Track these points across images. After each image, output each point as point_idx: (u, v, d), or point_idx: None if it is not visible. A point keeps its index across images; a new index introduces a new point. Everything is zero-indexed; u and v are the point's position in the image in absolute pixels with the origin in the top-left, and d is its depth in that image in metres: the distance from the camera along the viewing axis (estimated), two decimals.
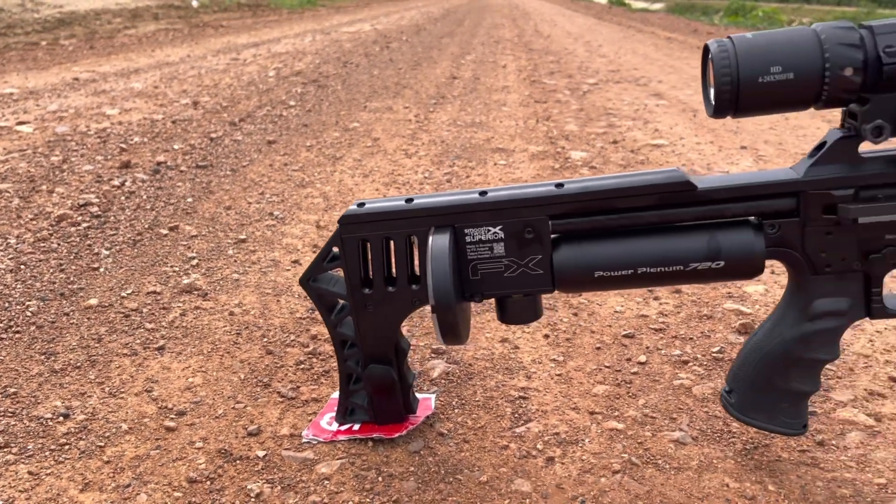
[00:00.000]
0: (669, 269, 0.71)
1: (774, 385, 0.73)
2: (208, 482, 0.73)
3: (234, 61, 4.53)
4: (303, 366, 0.95)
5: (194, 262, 1.28)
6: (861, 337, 1.04)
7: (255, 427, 0.82)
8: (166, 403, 0.86)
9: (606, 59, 4.60)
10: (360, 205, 0.75)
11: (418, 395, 0.87)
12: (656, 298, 1.19)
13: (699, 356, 1.00)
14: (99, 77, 3.82)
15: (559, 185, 0.72)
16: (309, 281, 0.78)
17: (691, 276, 0.71)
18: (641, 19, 9.82)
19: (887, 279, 1.12)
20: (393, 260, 0.75)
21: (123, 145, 2.13)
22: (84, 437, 0.81)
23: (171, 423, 0.82)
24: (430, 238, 0.71)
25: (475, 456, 0.79)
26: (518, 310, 0.75)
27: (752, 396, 0.75)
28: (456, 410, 0.87)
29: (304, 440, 0.80)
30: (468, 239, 0.73)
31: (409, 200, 0.74)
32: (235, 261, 1.30)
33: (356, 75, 3.73)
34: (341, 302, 0.79)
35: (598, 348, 1.02)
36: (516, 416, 0.86)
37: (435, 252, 0.70)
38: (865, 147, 0.67)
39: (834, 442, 0.81)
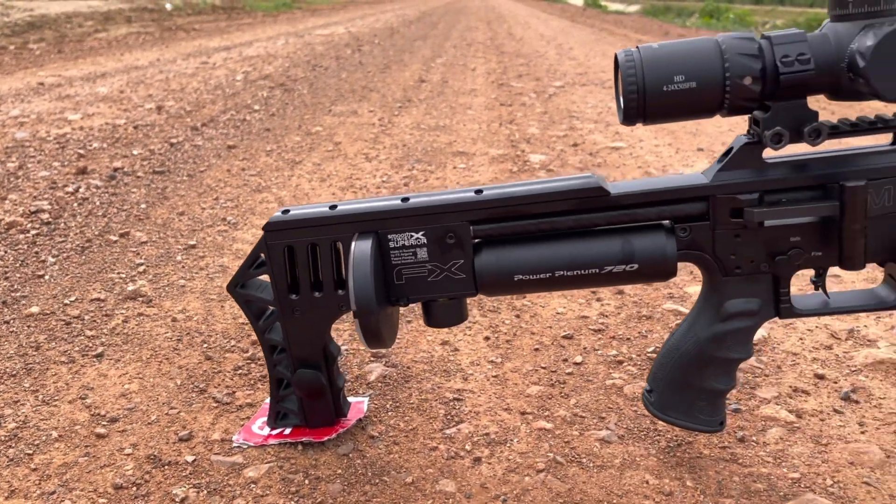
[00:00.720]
0: (586, 272, 0.72)
1: (691, 384, 0.76)
2: (134, 488, 0.74)
3: (204, 65, 4.51)
4: (241, 371, 0.96)
5: (142, 268, 1.28)
6: (792, 335, 1.07)
7: (186, 432, 0.82)
8: (99, 410, 0.87)
9: (576, 61, 4.64)
10: (285, 212, 0.76)
11: (351, 399, 0.88)
12: (598, 300, 1.21)
13: (634, 356, 1.02)
14: (65, 82, 3.79)
15: (478, 192, 0.73)
16: (236, 287, 0.79)
17: (607, 279, 0.73)
18: (615, 21, 9.91)
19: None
20: (319, 266, 0.76)
21: (82, 151, 2.12)
22: (13, 444, 0.81)
23: (103, 430, 0.83)
24: (353, 244, 0.72)
25: (404, 458, 0.80)
26: (443, 313, 0.77)
27: (671, 395, 0.77)
28: (389, 413, 0.88)
29: (234, 445, 0.80)
30: (392, 244, 0.74)
31: (332, 207, 0.75)
32: (183, 266, 1.30)
33: (324, 79, 3.73)
34: (270, 308, 0.80)
35: (537, 349, 1.04)
36: (449, 417, 0.88)
37: (356, 258, 0.71)
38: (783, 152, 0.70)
39: (754, 438, 0.84)
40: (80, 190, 1.73)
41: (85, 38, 6.68)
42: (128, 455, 0.79)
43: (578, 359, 1.01)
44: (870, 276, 1.25)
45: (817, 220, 0.69)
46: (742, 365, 0.99)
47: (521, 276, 0.73)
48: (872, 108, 2.93)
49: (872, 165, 0.67)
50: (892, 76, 0.60)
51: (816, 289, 0.74)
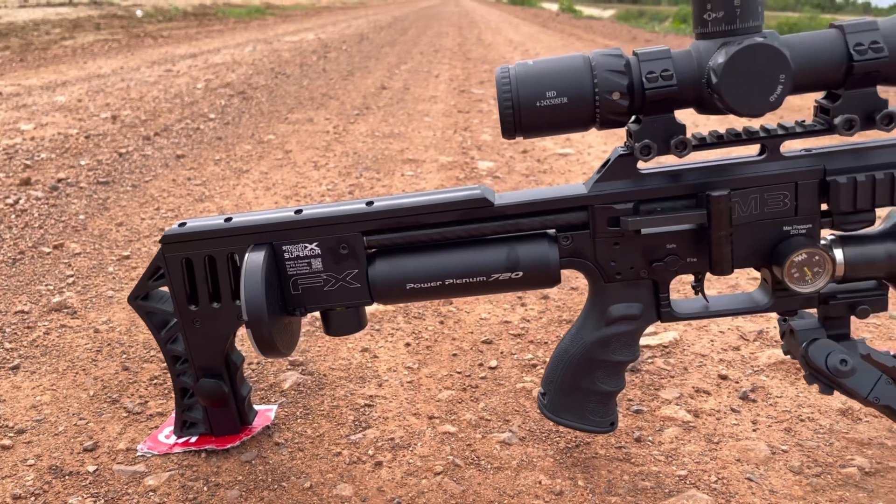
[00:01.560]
0: (474, 279, 0.75)
1: (581, 386, 0.78)
2: (32, 498, 0.75)
3: (167, 73, 4.50)
4: (156, 381, 0.97)
5: (71, 280, 1.29)
6: (704, 337, 1.11)
7: (91, 443, 0.84)
8: (7, 422, 0.88)
9: None
10: (182, 224, 0.77)
11: (259, 407, 0.90)
12: (523, 304, 1.24)
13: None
14: (24, 91, 3.76)
15: (370, 203, 0.75)
16: (137, 299, 0.80)
17: (495, 286, 0.76)
18: (585, 27, 10.01)
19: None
20: (217, 277, 0.78)
21: (28, 162, 2.11)
22: None
23: (8, 442, 0.84)
24: (246, 255, 0.74)
25: (306, 463, 0.82)
26: (340, 322, 0.79)
27: (562, 398, 0.79)
28: (299, 420, 0.90)
29: (138, 454, 0.82)
30: (287, 255, 0.76)
31: (228, 220, 0.77)
32: (114, 278, 1.31)
33: (285, 86, 3.74)
34: (173, 319, 0.81)
35: (455, 355, 1.07)
36: (357, 423, 0.90)
37: (248, 269, 0.73)
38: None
39: (651, 438, 0.87)
40: (21, 201, 1.72)
41: (50, 46, 6.61)
42: (30, 466, 0.80)
43: (494, 363, 1.04)
44: None
45: (692, 228, 0.72)
46: (650, 367, 1.03)
47: (412, 285, 0.75)
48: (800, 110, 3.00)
49: (739, 175, 0.70)
50: (741, 92, 0.63)
51: (696, 293, 0.77)
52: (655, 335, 1.11)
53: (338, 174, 2.04)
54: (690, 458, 0.82)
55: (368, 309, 1.21)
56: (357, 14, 14.56)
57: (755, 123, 0.73)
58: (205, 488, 0.77)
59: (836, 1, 60.44)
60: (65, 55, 5.77)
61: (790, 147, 0.74)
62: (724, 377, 0.99)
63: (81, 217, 1.63)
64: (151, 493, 0.76)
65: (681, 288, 1.29)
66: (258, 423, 0.86)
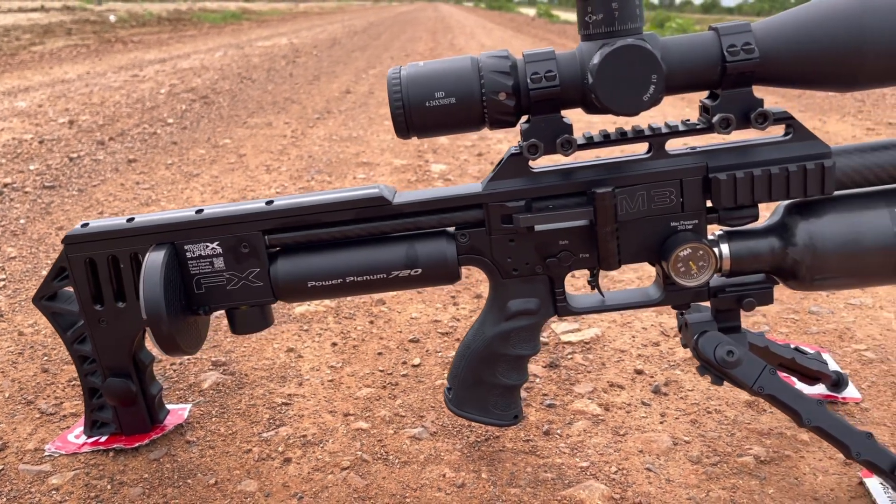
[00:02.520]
0: (375, 277, 0.76)
1: (484, 380, 0.80)
2: None
3: (133, 78, 4.48)
4: (74, 382, 0.98)
5: (2, 283, 1.29)
6: (626, 333, 1.13)
7: (0, 443, 0.84)
8: None
9: None
10: (84, 225, 0.78)
11: (172, 406, 0.90)
12: (455, 304, 1.25)
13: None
14: None
15: (269, 203, 0.77)
16: (42, 300, 0.81)
17: (395, 283, 0.77)
18: (559, 31, 10.09)
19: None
20: (122, 277, 0.79)
21: None
22: None
23: None
24: (147, 255, 0.75)
25: (215, 461, 0.83)
26: (246, 320, 0.80)
27: (466, 392, 0.81)
28: (214, 419, 0.91)
29: (46, 454, 0.82)
30: (189, 255, 0.77)
31: (130, 220, 0.78)
32: None
33: (249, 91, 3.74)
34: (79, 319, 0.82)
35: (380, 354, 1.08)
36: (272, 421, 0.91)
37: (147, 269, 0.74)
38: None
39: (559, 431, 0.89)
40: None
41: (19, 52, 6.54)
42: None
43: (417, 361, 1.05)
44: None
45: (583, 225, 0.74)
46: (568, 363, 1.05)
47: (314, 283, 0.77)
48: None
49: (626, 173, 0.72)
50: (615, 92, 0.65)
51: (593, 289, 0.79)
52: (578, 332, 1.13)
53: (289, 177, 2.05)
54: (595, 450, 0.84)
55: (299, 310, 1.22)
56: (333, 19, 14.57)
57: (651, 121, 0.75)
58: (109, 486, 0.77)
59: None
60: (31, 61, 5.72)
61: (703, 143, 0.76)
62: (639, 372, 1.01)
63: (22, 221, 1.62)
64: (54, 492, 0.76)
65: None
66: (170, 422, 0.87)
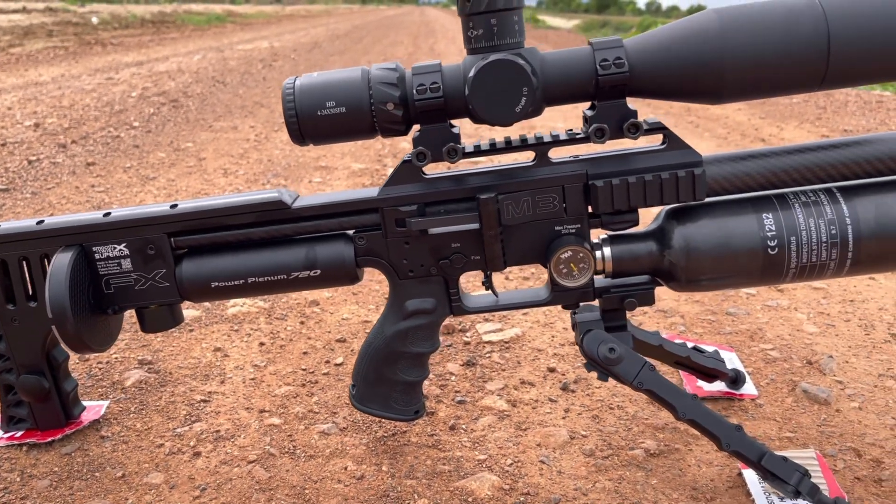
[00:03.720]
0: (276, 278, 0.80)
1: (385, 377, 0.83)
2: None
3: (108, 81, 4.49)
4: None
5: None
6: (546, 333, 1.17)
7: None
8: None
9: None
10: None
11: (89, 403, 0.93)
12: None
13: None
14: None
15: (174, 206, 0.80)
16: None
17: (296, 284, 0.80)
18: (540, 37, 10.16)
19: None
20: (33, 278, 0.82)
21: None
22: None
23: None
24: (55, 256, 0.78)
25: (126, 455, 0.86)
26: (154, 319, 0.83)
27: (368, 388, 0.84)
28: (132, 415, 0.94)
29: None
30: (97, 256, 0.80)
31: (40, 222, 0.81)
32: None
33: (220, 94, 3.76)
34: None
35: (306, 353, 1.11)
36: (188, 417, 0.94)
37: (53, 270, 0.77)
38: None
39: (465, 426, 0.92)
40: None
41: None
42: None
43: (340, 360, 1.09)
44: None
45: (474, 228, 0.78)
46: (485, 361, 1.09)
47: (217, 283, 0.80)
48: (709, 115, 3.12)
49: (512, 179, 0.76)
50: (489, 103, 0.69)
51: (487, 289, 0.83)
52: (500, 332, 1.17)
53: (245, 181, 2.08)
54: (495, 444, 0.88)
55: (231, 310, 1.25)
56: (318, 23, 14.59)
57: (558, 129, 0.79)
58: (18, 479, 0.80)
59: None
60: (8, 63, 5.71)
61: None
62: (552, 370, 1.05)
63: None
64: None
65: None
66: (86, 418, 0.90)
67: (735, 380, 0.97)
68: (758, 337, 1.14)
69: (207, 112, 3.22)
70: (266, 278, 0.80)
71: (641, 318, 1.21)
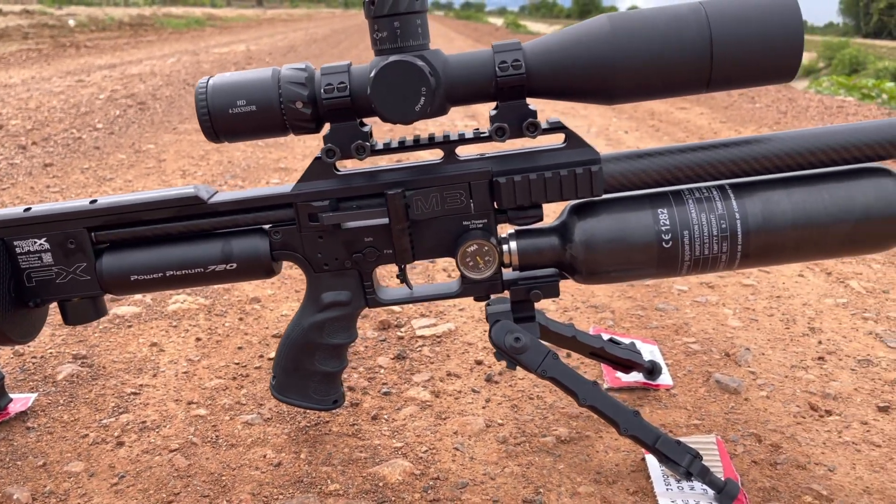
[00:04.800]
0: (193, 271, 0.82)
1: (303, 367, 0.86)
2: None
3: (78, 83, 4.47)
4: None
5: None
6: (479, 328, 1.20)
7: None
8: None
9: None
10: None
11: (16, 395, 0.95)
12: None
13: None
14: None
15: (93, 202, 0.82)
16: None
17: (213, 278, 0.83)
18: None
19: None
20: None
21: None
22: None
23: None
24: None
25: (49, 445, 0.88)
26: (77, 312, 0.85)
27: (287, 379, 0.87)
28: (60, 407, 0.96)
29: None
30: (19, 250, 0.82)
31: None
32: None
33: (188, 97, 3.77)
34: None
35: (241, 348, 1.14)
36: (116, 409, 0.96)
37: None
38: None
39: (387, 416, 0.95)
40: None
41: None
42: None
43: (273, 354, 1.11)
44: None
45: (384, 223, 0.81)
46: (415, 355, 1.12)
47: (136, 277, 0.82)
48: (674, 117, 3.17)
49: (421, 176, 0.79)
50: (389, 102, 0.72)
51: (402, 282, 0.86)
52: (434, 326, 1.20)
53: (202, 182, 2.09)
54: (413, 433, 0.91)
55: (172, 307, 1.27)
56: (298, 26, 14.58)
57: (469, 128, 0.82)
58: None
59: None
60: None
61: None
62: (479, 362, 1.09)
63: None
64: None
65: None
66: (13, 410, 0.92)
67: (651, 370, 1.01)
68: (682, 331, 1.18)
69: (174, 114, 3.23)
70: (184, 271, 0.82)
71: (573, 314, 1.25)
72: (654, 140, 2.90)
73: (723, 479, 0.77)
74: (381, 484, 0.81)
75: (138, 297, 1.32)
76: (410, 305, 1.29)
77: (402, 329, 1.20)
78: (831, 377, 1.03)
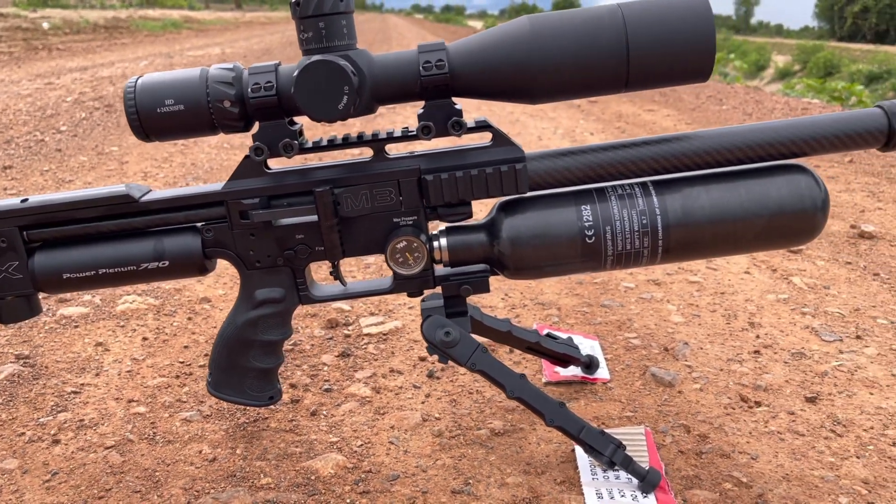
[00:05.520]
0: (125, 269, 0.83)
1: (238, 364, 0.87)
2: None
3: (47, 86, 4.43)
4: None
5: None
6: None
7: None
8: None
9: None
10: None
11: None
12: None
13: None
14: None
15: (24, 200, 0.83)
16: None
17: (145, 275, 0.84)
18: None
19: None
20: None
21: None
22: None
23: None
24: None
25: None
26: (10, 311, 0.85)
27: (222, 375, 0.88)
28: None
29: None
30: None
31: None
32: None
33: None
34: None
35: (187, 347, 1.14)
36: (55, 407, 0.96)
37: None
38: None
39: (326, 412, 0.96)
40: None
41: None
42: None
43: None
44: None
45: (315, 220, 0.82)
46: (360, 353, 1.13)
47: (69, 275, 0.83)
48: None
49: (350, 174, 0.81)
50: (312, 100, 0.74)
51: (335, 279, 0.87)
52: (382, 324, 1.21)
53: (164, 184, 2.09)
54: (350, 428, 0.92)
55: (120, 307, 1.27)
56: (276, 29, 14.53)
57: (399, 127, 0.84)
58: None
59: (750, 23, 63.61)
60: None
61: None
62: (423, 359, 1.10)
63: None
64: None
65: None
66: None
67: (589, 365, 1.03)
68: (625, 327, 1.20)
69: None
70: (116, 269, 0.83)
71: (520, 311, 1.27)
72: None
73: (647, 468, 0.79)
74: (313, 477, 0.82)
75: (87, 297, 1.32)
76: (361, 304, 1.30)
77: (350, 327, 1.21)
78: (765, 370, 1.06)
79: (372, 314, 1.26)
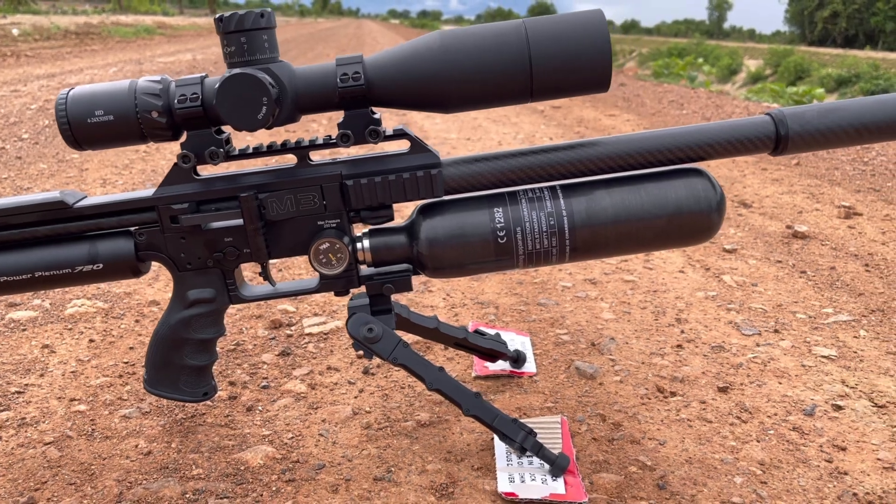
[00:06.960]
0: (61, 272, 0.87)
1: (172, 362, 0.91)
2: None
3: (12, 93, 4.41)
4: None
5: None
6: None
7: None
8: None
9: None
10: None
11: None
12: None
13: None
14: None
15: None
16: None
17: (80, 278, 0.87)
18: None
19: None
20: None
21: None
22: None
23: None
24: None
25: None
26: None
27: (157, 373, 0.91)
28: None
29: None
30: None
31: None
32: None
33: None
34: None
35: (132, 348, 1.18)
36: None
37: None
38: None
39: (262, 407, 1.01)
40: None
41: None
42: None
43: None
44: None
45: (241, 224, 0.86)
46: (300, 351, 1.17)
47: (6, 278, 0.86)
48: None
49: (275, 179, 0.85)
50: (233, 111, 0.78)
51: (265, 279, 0.92)
52: (323, 324, 1.26)
53: (121, 190, 2.12)
54: (283, 422, 0.97)
55: (69, 310, 1.30)
56: None
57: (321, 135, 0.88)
58: None
59: (723, 28, 64.49)
60: None
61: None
62: (361, 356, 1.15)
63: None
64: None
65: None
66: None
67: (516, 359, 1.08)
68: (557, 324, 1.26)
69: None
70: (52, 272, 0.86)
71: (460, 310, 1.32)
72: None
73: (557, 453, 0.84)
74: (242, 468, 0.86)
75: (37, 301, 1.35)
76: (306, 305, 1.35)
77: (293, 328, 1.25)
78: (684, 363, 1.12)
79: (315, 314, 1.30)
